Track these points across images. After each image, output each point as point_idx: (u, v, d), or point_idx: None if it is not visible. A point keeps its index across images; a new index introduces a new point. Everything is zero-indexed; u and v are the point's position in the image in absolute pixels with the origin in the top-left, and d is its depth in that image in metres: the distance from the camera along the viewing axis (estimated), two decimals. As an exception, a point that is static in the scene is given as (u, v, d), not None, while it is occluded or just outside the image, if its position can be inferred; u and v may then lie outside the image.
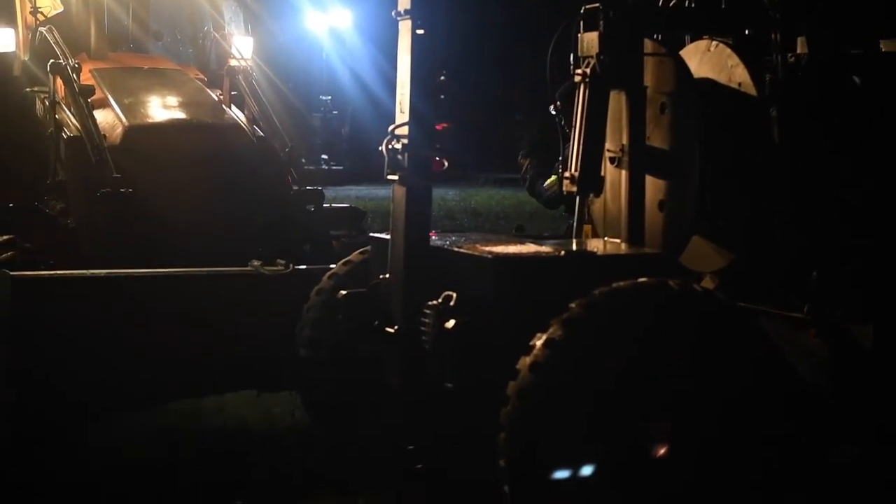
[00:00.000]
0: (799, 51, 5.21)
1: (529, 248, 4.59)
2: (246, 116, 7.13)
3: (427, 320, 4.30)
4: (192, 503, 5.09)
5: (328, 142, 24.55)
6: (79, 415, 5.53)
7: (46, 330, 5.27)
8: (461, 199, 19.59)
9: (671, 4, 5.40)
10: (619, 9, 4.94)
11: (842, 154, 5.03)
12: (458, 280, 4.34)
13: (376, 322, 4.64)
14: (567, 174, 5.05)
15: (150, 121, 6.68)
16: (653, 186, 5.07)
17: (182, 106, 6.92)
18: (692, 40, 5.52)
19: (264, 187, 6.68)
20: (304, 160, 7.31)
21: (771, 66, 5.11)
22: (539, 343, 3.87)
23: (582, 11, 5.01)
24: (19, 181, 6.61)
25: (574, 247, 4.92)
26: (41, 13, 6.99)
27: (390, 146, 4.59)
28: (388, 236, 4.72)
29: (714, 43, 5.29)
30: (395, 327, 4.54)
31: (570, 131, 5.12)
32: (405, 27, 4.55)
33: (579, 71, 4.99)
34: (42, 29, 6.81)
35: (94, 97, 6.51)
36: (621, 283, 4.02)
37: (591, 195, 5.21)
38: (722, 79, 5.19)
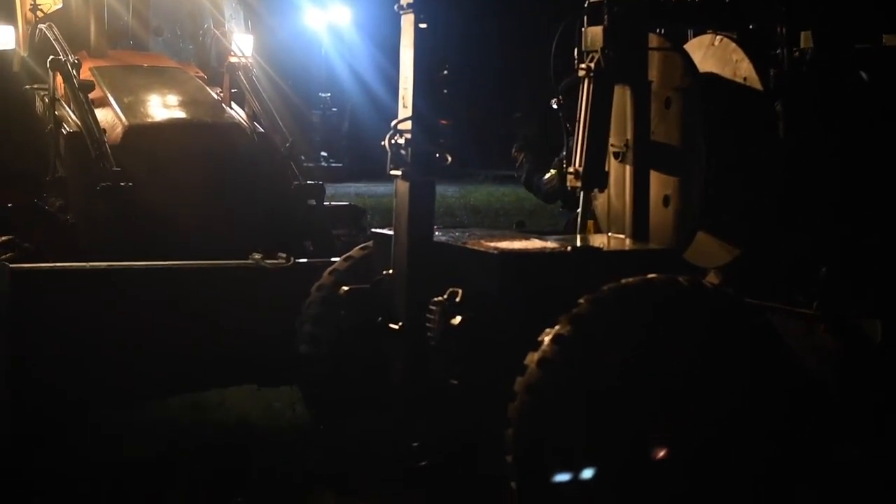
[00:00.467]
0: (803, 45, 5.19)
1: (535, 243, 4.57)
2: (246, 113, 7.12)
3: (432, 317, 4.28)
4: (193, 499, 5.06)
5: (327, 139, 24.54)
6: (78, 409, 5.50)
7: (46, 323, 5.24)
8: (461, 195, 19.59)
9: (675, -2, 5.37)
10: (623, 3, 4.91)
11: (848, 148, 5.01)
12: (463, 276, 4.32)
13: (380, 318, 4.61)
14: (571, 169, 5.03)
15: (150, 120, 6.67)
16: (657, 182, 5.04)
17: (182, 105, 6.90)
18: (695, 35, 5.50)
19: (264, 184, 6.68)
20: (303, 157, 7.29)
21: (776, 60, 5.09)
22: (547, 339, 3.84)
23: (586, 6, 4.98)
24: (19, 178, 6.59)
25: (579, 242, 4.90)
26: (41, 10, 6.97)
27: (393, 141, 4.56)
28: (390, 232, 4.69)
29: (718, 37, 5.26)
30: (400, 324, 4.51)
31: (573, 126, 5.10)
32: (408, 21, 4.52)
33: (583, 65, 4.97)
34: (41, 25, 6.78)
35: (93, 96, 6.50)
36: (630, 279, 4.00)
37: (595, 190, 5.18)
38: (727, 73, 5.17)
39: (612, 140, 5.02)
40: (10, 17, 7.06)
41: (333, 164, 22.94)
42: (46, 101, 6.61)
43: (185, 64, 7.60)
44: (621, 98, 4.97)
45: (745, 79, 5.08)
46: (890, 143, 5.05)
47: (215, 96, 7.08)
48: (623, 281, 3.99)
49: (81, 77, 6.52)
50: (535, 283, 4.20)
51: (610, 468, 3.84)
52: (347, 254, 5.23)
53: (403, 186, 4.59)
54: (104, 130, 6.32)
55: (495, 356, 4.10)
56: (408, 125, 4.53)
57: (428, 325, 4.31)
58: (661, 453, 3.93)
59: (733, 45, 5.17)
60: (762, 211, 5.04)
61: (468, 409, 4.28)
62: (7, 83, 6.99)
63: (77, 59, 6.52)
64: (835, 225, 4.97)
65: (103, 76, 6.82)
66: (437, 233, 4.74)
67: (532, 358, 3.85)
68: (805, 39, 5.19)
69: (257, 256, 5.76)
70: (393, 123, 4.57)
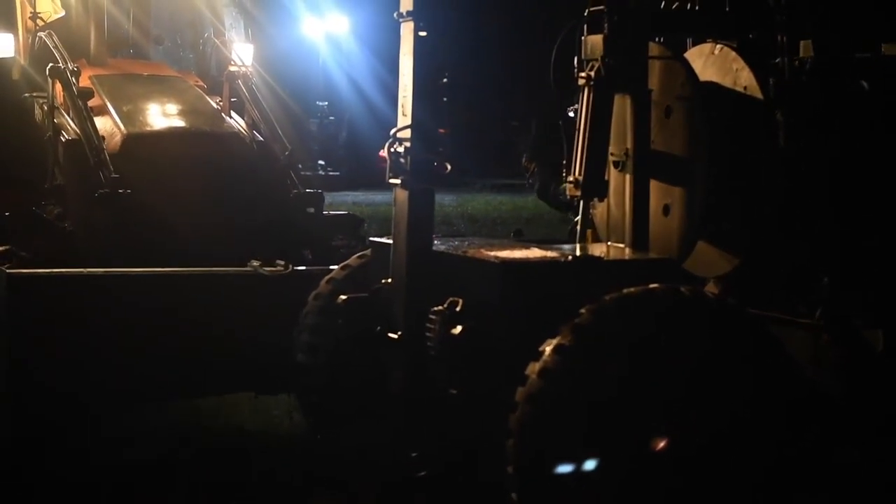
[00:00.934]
0: (802, 54, 5.19)
1: (535, 252, 4.56)
2: (246, 122, 7.11)
3: (432, 326, 4.26)
4: (191, 504, 5.06)
5: (325, 147, 24.56)
6: (76, 415, 5.48)
7: (42, 329, 5.23)
8: (458, 204, 19.60)
9: (674, 7, 5.37)
10: (623, 11, 4.91)
11: (848, 157, 5.00)
12: (463, 285, 4.30)
13: (378, 327, 4.59)
14: (570, 178, 5.02)
15: (149, 129, 6.66)
16: (657, 191, 5.04)
17: (181, 114, 6.90)
18: (694, 43, 5.49)
19: (263, 192, 6.66)
20: (300, 166, 7.30)
21: (776, 69, 5.08)
22: (549, 349, 3.83)
23: (586, 14, 4.98)
24: (18, 185, 6.58)
25: (580, 252, 4.89)
26: (41, 18, 6.96)
27: (392, 149, 4.55)
28: (389, 241, 4.68)
29: (718, 46, 5.26)
30: (399, 333, 4.50)
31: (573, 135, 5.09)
32: (407, 29, 4.51)
33: (583, 74, 4.96)
34: (41, 34, 6.78)
35: (92, 104, 6.49)
36: (632, 289, 3.99)
37: (595, 199, 5.17)
38: (727, 82, 5.17)
39: (611, 149, 5.02)
40: (10, 26, 7.06)
41: (331, 173, 22.96)
42: (45, 108, 6.60)
43: (185, 73, 7.60)
44: (621, 107, 4.96)
45: (745, 87, 5.08)
46: (890, 152, 5.04)
47: (215, 105, 7.08)
48: (625, 291, 3.98)
49: (81, 85, 6.51)
50: (536, 293, 4.19)
51: (611, 478, 3.82)
52: (344, 262, 5.22)
53: (403, 195, 4.58)
54: (103, 138, 6.31)
55: (496, 366, 4.08)
56: (407, 133, 4.52)
57: (428, 334, 4.29)
58: (663, 463, 3.91)
59: (733, 53, 5.16)
60: (762, 220, 5.03)
61: (468, 419, 4.27)
62: (6, 91, 6.98)
63: (76, 67, 6.52)
64: (835, 234, 4.96)
65: (102, 84, 6.81)
66: (435, 242, 4.72)
67: (533, 368, 3.84)
68: (805, 48, 5.19)
69: (255, 264, 5.75)
70: (392, 132, 4.56)
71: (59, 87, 6.53)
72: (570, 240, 5.53)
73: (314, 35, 26.65)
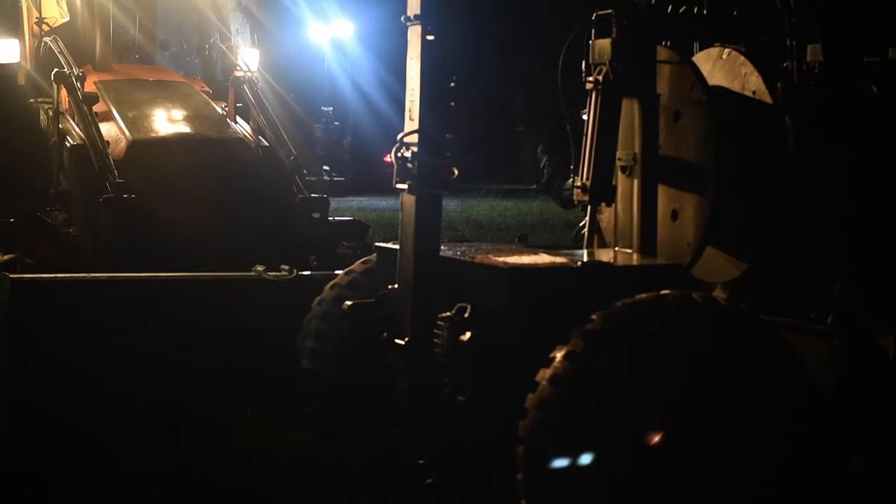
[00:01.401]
0: (811, 58, 5.16)
1: (544, 258, 4.53)
2: (251, 127, 7.11)
3: (440, 332, 4.23)
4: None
5: (330, 153, 24.55)
6: (78, 420, 5.46)
7: (45, 334, 5.21)
8: (462, 210, 19.58)
9: (682, 11, 5.34)
10: (631, 15, 4.88)
11: (857, 162, 4.97)
12: (471, 291, 4.27)
13: (384, 333, 4.56)
14: (578, 183, 4.99)
15: (154, 134, 6.67)
16: (665, 196, 5.01)
17: (186, 120, 6.91)
18: (701, 47, 5.47)
19: (268, 197, 6.66)
20: (305, 171, 7.29)
21: (784, 73, 5.05)
22: (559, 355, 3.80)
23: (594, 18, 4.95)
24: (23, 191, 6.58)
25: (589, 257, 4.85)
26: (46, 23, 6.97)
27: (399, 154, 4.52)
28: (395, 246, 4.65)
29: (726, 50, 5.23)
30: (406, 339, 4.47)
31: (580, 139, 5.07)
32: (415, 32, 4.48)
33: (591, 78, 4.93)
34: (47, 39, 6.78)
35: (97, 109, 6.50)
36: (643, 296, 3.96)
37: (602, 205, 5.15)
38: (735, 87, 5.13)
39: (619, 153, 4.99)
40: (15, 31, 7.07)
41: (336, 178, 22.97)
42: (51, 114, 6.60)
43: (190, 78, 7.61)
44: (629, 111, 4.94)
45: (754, 92, 5.05)
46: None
47: (220, 111, 7.09)
48: (637, 297, 3.95)
49: (86, 90, 6.51)
50: (545, 299, 4.16)
51: (622, 484, 3.79)
52: (349, 268, 5.19)
53: (410, 200, 4.54)
54: (108, 143, 6.31)
55: (505, 372, 4.05)
56: (414, 138, 4.49)
57: (436, 340, 4.26)
58: (675, 469, 3.88)
59: (742, 58, 5.13)
60: (771, 225, 5.00)
61: (477, 426, 4.24)
62: (12, 96, 6.98)
63: (81, 72, 6.52)
64: (845, 239, 4.93)
65: (108, 90, 6.82)
66: (442, 247, 4.70)
67: (544, 374, 3.80)
68: (813, 53, 5.16)
69: (260, 268, 5.73)
70: (399, 136, 4.52)
71: (64, 92, 6.55)
72: (577, 245, 5.50)
73: (320, 40, 26.67)
